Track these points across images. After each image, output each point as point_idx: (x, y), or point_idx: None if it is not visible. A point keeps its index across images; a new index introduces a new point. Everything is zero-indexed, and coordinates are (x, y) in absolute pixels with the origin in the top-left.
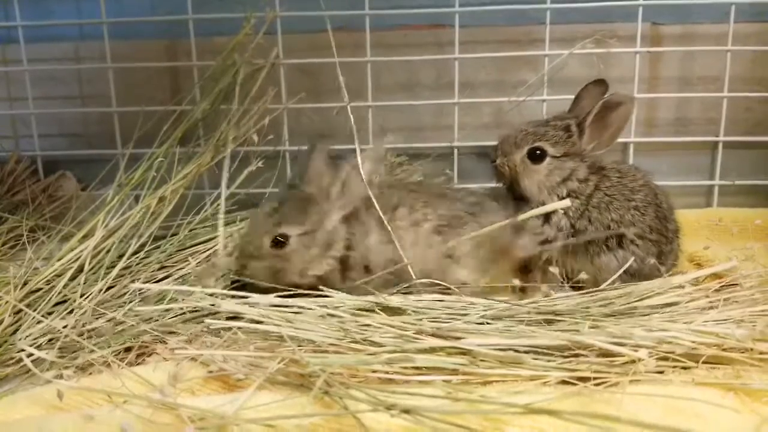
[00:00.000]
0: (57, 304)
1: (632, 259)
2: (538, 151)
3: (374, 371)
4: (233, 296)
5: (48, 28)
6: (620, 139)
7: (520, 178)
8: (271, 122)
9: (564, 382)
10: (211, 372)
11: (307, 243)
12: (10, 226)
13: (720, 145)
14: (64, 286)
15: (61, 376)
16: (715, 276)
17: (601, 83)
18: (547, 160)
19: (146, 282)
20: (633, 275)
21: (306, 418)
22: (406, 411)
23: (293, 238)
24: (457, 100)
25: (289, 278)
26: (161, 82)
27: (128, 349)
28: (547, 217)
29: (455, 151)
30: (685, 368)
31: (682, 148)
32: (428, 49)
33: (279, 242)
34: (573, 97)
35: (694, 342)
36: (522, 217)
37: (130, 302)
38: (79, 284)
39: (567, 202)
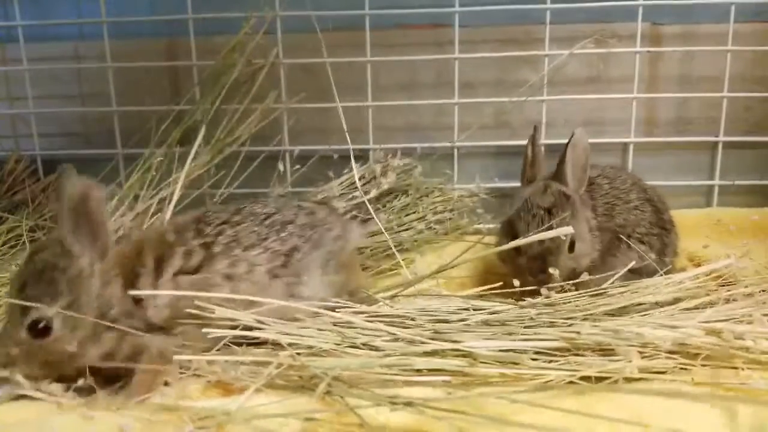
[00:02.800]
0: None
1: (633, 262)
2: (572, 236)
3: (375, 373)
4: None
5: (48, 28)
6: (620, 139)
7: (576, 266)
8: (272, 122)
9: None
10: (209, 381)
11: (73, 319)
12: (10, 226)
13: (720, 145)
14: None
15: None
16: (717, 277)
17: (533, 130)
18: (576, 239)
19: None
20: (638, 273)
21: (308, 420)
22: (408, 404)
23: (54, 318)
24: (457, 100)
25: (71, 367)
26: (161, 81)
27: None
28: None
29: (455, 151)
30: (684, 367)
31: (682, 147)
32: (428, 48)
33: (38, 331)
34: (573, 97)
35: (693, 340)
36: (509, 245)
37: None
38: None
39: (569, 229)
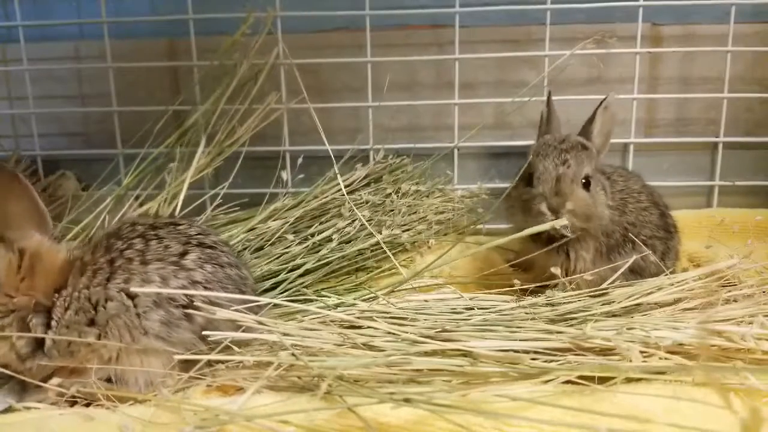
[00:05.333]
0: None
1: (635, 257)
2: (589, 177)
3: (377, 373)
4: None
5: (48, 28)
6: (620, 140)
7: (591, 212)
8: (272, 122)
9: (564, 382)
10: (209, 386)
11: None
12: None
13: (720, 146)
14: None
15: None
16: (719, 277)
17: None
18: (592, 182)
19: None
20: (640, 274)
21: (310, 420)
22: (407, 400)
23: None
24: (457, 101)
25: None
26: (161, 81)
27: None
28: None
29: (455, 151)
30: (685, 367)
31: (682, 148)
32: (429, 49)
33: None
34: (573, 97)
35: (694, 341)
36: (503, 240)
37: None
38: None
39: (563, 221)
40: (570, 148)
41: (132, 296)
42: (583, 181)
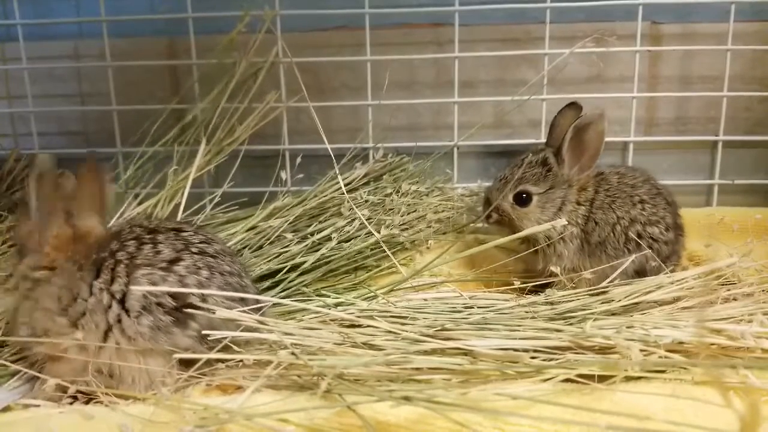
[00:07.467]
0: None
1: (632, 257)
2: (524, 195)
3: (376, 372)
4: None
5: (47, 26)
6: (620, 139)
7: (518, 223)
8: (272, 121)
9: (564, 380)
10: (209, 385)
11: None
12: (10, 225)
13: (720, 145)
14: None
15: None
16: (718, 276)
17: (574, 107)
18: (535, 199)
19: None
20: (644, 273)
21: (310, 419)
22: (407, 398)
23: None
24: (457, 99)
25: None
26: (161, 80)
27: None
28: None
29: (455, 150)
30: (684, 367)
31: (682, 147)
32: (428, 47)
33: None
34: (573, 96)
35: (693, 339)
36: (503, 240)
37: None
38: None
39: (563, 221)
40: (523, 164)
41: (119, 299)
42: (524, 196)
